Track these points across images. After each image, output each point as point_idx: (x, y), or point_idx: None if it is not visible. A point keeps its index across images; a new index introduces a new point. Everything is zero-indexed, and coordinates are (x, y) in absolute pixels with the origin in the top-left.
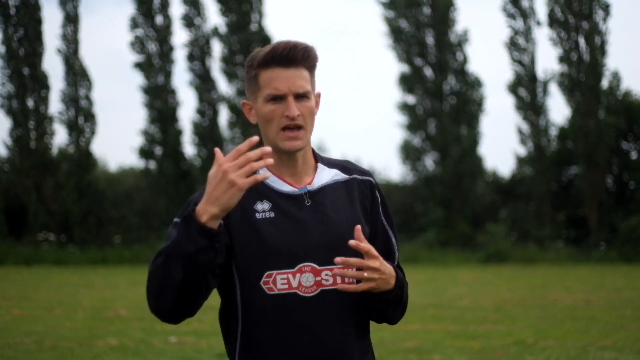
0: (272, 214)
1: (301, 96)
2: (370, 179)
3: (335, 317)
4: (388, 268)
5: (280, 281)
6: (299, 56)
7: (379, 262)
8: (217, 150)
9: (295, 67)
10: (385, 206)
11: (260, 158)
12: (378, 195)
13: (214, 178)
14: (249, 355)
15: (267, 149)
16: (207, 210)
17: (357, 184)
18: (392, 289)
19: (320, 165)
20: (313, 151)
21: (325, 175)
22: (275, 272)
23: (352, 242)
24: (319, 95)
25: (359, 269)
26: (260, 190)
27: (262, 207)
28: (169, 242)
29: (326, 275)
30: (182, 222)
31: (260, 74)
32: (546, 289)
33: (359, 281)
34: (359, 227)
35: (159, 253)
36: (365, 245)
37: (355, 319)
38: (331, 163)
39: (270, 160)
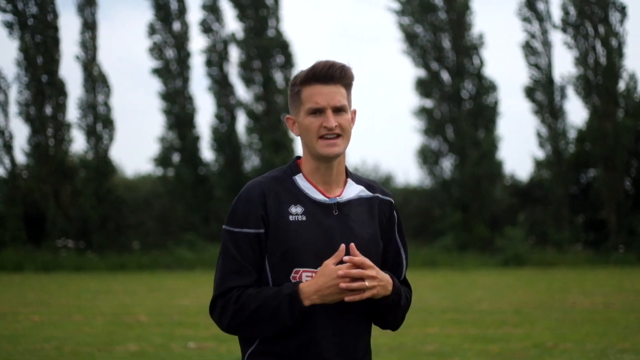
0: (304, 218)
1: (339, 110)
2: (391, 199)
3: (349, 317)
4: (385, 276)
5: (306, 278)
6: (336, 74)
7: (375, 271)
8: (342, 248)
9: (333, 84)
10: (400, 225)
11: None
12: (395, 215)
13: (329, 278)
14: (266, 350)
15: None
16: (312, 299)
17: (379, 203)
18: (390, 295)
19: (349, 181)
20: (346, 167)
21: (352, 190)
22: (302, 269)
23: (346, 257)
24: (354, 112)
25: (357, 279)
26: (296, 195)
27: (296, 211)
28: (258, 302)
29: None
30: (288, 299)
31: (302, 91)
32: (565, 292)
33: None
34: (352, 245)
35: (239, 296)
36: (359, 258)
37: (365, 321)
38: (359, 180)
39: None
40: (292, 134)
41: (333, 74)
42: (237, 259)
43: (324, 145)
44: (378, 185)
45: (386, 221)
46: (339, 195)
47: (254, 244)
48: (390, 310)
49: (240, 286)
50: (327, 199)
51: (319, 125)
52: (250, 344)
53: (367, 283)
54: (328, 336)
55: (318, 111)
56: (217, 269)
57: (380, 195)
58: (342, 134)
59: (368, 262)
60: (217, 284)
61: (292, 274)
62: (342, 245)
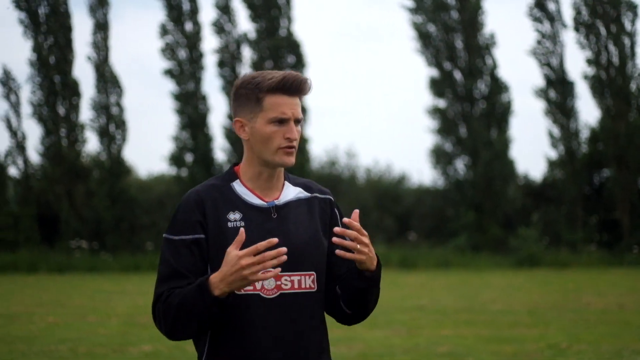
0: (242, 223)
1: (298, 122)
2: (330, 197)
3: (292, 317)
4: (373, 250)
5: None
6: (304, 88)
7: (369, 241)
8: (242, 231)
9: (297, 96)
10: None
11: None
12: (337, 212)
13: (231, 265)
14: (216, 353)
15: (283, 249)
16: (220, 287)
17: (318, 202)
18: (375, 270)
19: (286, 183)
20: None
21: (290, 192)
22: None
23: (345, 219)
24: None
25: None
26: (233, 202)
27: (234, 217)
28: (178, 299)
29: (286, 280)
30: (197, 290)
31: (265, 98)
32: (579, 293)
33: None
34: (357, 211)
35: (167, 297)
36: (357, 224)
37: (311, 320)
38: (296, 182)
39: (284, 258)
40: (306, 133)
41: (301, 88)
42: (171, 264)
43: (283, 154)
44: (315, 184)
45: (328, 219)
46: (277, 199)
47: (193, 249)
48: (371, 287)
49: (171, 288)
50: (265, 203)
51: (280, 136)
52: (201, 353)
53: (358, 246)
54: (270, 336)
55: (282, 121)
56: (157, 277)
57: (318, 195)
58: (296, 145)
59: (364, 231)
60: (155, 292)
61: None
62: (242, 230)
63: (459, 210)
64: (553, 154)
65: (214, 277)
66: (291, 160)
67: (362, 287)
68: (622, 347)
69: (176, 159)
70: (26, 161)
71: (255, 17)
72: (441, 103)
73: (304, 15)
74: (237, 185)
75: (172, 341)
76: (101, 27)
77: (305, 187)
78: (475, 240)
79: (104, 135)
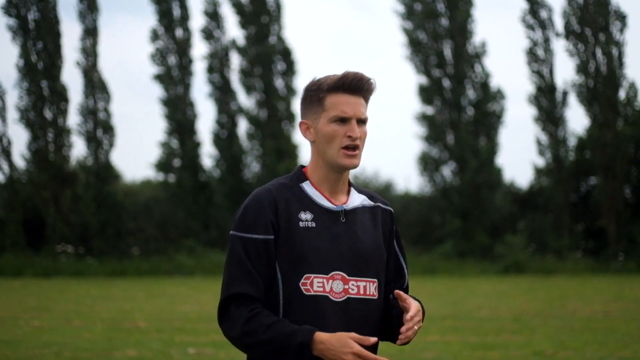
0: (313, 224)
1: (361, 122)
2: (392, 210)
3: (357, 321)
4: (421, 309)
5: (317, 284)
6: (365, 87)
7: (418, 310)
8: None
9: (359, 95)
10: (399, 235)
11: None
12: (395, 225)
13: (341, 346)
14: None
15: None
16: (320, 350)
17: (381, 212)
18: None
19: (352, 189)
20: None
21: (356, 199)
22: (313, 275)
23: (397, 292)
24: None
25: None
26: (304, 202)
27: (305, 217)
28: (271, 334)
29: (352, 285)
30: (299, 347)
31: (326, 97)
32: (565, 300)
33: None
34: (399, 292)
35: (253, 316)
36: (405, 297)
37: (373, 325)
38: (360, 190)
39: None
40: (297, 140)
41: (362, 86)
42: (245, 264)
43: (345, 155)
44: (378, 195)
45: (388, 231)
46: (345, 203)
47: (262, 251)
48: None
49: (248, 295)
50: (335, 206)
51: (342, 134)
52: None
53: (416, 327)
54: None
55: (344, 120)
56: (225, 274)
57: (382, 205)
58: (360, 145)
59: (410, 300)
60: (224, 288)
61: (303, 280)
62: (372, 339)
63: (446, 217)
64: (540, 162)
65: (320, 344)
66: (354, 162)
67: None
68: (608, 354)
69: (163, 165)
70: (12, 166)
71: (245, 23)
72: (429, 110)
73: (295, 22)
74: (307, 187)
75: (155, 350)
76: (90, 33)
77: (369, 196)
78: (462, 247)
79: (92, 140)
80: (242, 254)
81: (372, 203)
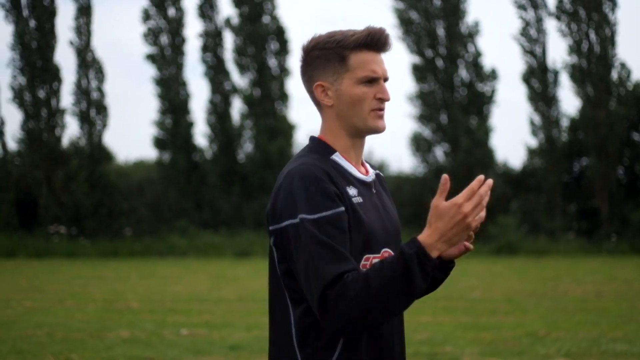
0: (361, 200)
1: (386, 81)
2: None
3: None
4: None
5: None
6: (389, 43)
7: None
8: (446, 178)
9: (384, 52)
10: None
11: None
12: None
13: (450, 217)
14: (354, 353)
15: (490, 181)
16: (439, 247)
17: (382, 179)
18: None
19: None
20: None
21: (369, 167)
22: (372, 256)
23: (481, 176)
24: None
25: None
26: (345, 176)
27: (352, 192)
28: (379, 280)
29: None
30: (416, 259)
31: (351, 56)
32: (557, 281)
33: None
34: (490, 180)
35: (363, 280)
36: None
37: None
38: None
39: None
40: (291, 119)
41: (388, 43)
42: (331, 245)
43: (376, 118)
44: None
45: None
46: (367, 174)
47: (339, 225)
48: (443, 280)
49: (348, 271)
50: (366, 177)
51: (372, 96)
52: (330, 354)
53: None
54: (395, 332)
55: (372, 80)
56: (311, 265)
57: (379, 172)
58: (385, 108)
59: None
60: (319, 277)
61: (362, 262)
62: (445, 176)
63: None
64: (533, 142)
65: (428, 238)
66: (383, 124)
67: (441, 278)
68: (600, 335)
69: (160, 142)
70: (4, 146)
71: (238, 2)
72: (424, 88)
73: (288, 1)
74: (339, 158)
75: (148, 330)
76: (84, 12)
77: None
78: None
79: (85, 120)
80: (322, 237)
81: (376, 170)
